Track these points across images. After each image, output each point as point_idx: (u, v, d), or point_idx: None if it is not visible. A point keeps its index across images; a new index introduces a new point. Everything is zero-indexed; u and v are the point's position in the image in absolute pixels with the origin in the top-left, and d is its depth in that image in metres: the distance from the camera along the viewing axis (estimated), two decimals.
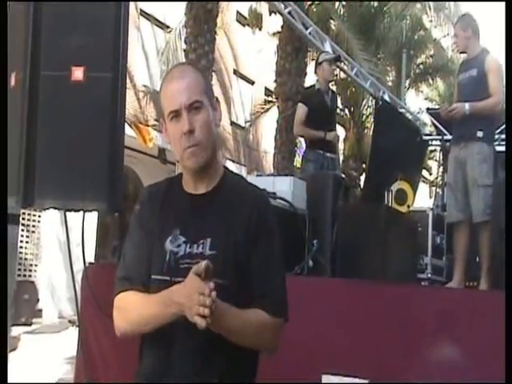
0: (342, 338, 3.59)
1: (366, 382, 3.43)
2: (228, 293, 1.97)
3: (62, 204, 3.40)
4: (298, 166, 13.30)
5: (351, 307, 3.61)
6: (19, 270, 12.37)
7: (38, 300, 12.54)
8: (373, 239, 4.71)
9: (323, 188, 5.23)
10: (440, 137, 7.17)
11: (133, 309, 2.09)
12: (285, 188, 4.98)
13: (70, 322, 11.52)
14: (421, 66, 18.31)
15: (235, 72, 20.61)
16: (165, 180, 2.26)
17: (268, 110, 17.42)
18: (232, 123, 20.21)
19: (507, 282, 2.77)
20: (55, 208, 3.48)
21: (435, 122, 7.42)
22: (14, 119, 3.45)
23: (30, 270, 13.56)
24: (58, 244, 13.24)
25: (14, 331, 4.18)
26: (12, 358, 4.12)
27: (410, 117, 8.88)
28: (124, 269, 2.14)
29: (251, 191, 2.20)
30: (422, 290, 4.05)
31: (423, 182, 16.61)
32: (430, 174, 17.92)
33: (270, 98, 17.52)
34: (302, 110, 6.73)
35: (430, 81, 18.92)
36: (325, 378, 3.55)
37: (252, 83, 21.44)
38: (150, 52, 16.59)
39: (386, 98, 7.90)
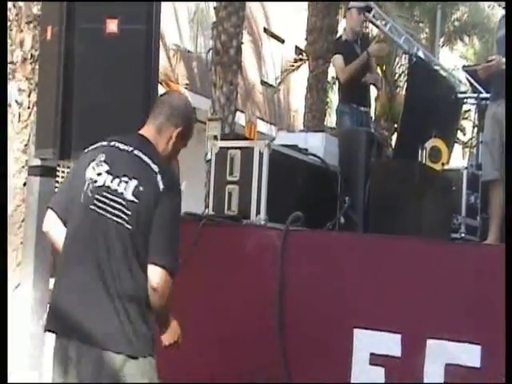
0: (374, 293, 3.59)
1: (399, 336, 3.44)
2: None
3: None
4: (329, 125, 13.23)
5: (384, 262, 3.60)
6: None
7: None
8: (405, 197, 4.68)
9: (356, 144, 5.20)
10: (476, 95, 7.06)
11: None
12: (317, 144, 4.95)
13: None
14: (456, 24, 17.92)
15: (265, 30, 20.40)
16: None
17: (298, 68, 17.26)
18: (262, 82, 20.08)
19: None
20: None
21: (471, 79, 7.30)
22: (50, 72, 3.47)
23: None
24: None
25: (51, 282, 4.28)
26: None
27: (444, 74, 8.72)
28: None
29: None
30: (456, 247, 4.01)
31: (456, 142, 16.40)
32: (464, 135, 17.66)
33: (300, 57, 17.35)
34: (338, 58, 6.67)
35: (466, 38, 18.53)
36: (357, 333, 3.57)
37: (282, 42, 21.23)
38: (180, 11, 16.49)
39: (421, 54, 7.76)
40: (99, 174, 2.70)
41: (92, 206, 2.68)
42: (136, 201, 2.65)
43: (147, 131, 2.84)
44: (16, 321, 4.05)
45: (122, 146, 2.76)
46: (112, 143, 2.78)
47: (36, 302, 3.94)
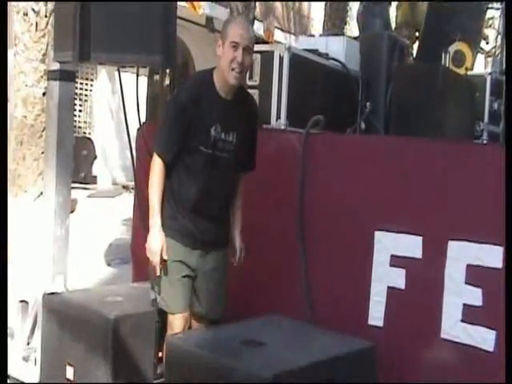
0: (396, 196, 3.59)
1: (420, 238, 3.45)
2: (237, 159, 3.32)
3: (118, 58, 3.40)
4: (349, 33, 12.96)
5: (405, 164, 3.57)
6: (75, 132, 12.57)
7: (96, 157, 12.72)
8: (428, 101, 4.60)
9: (377, 48, 5.09)
10: None
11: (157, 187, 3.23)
12: (337, 48, 4.89)
13: (123, 187, 11.79)
14: None
15: None
16: (202, 83, 3.26)
17: None
18: None
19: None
20: (111, 63, 3.50)
21: None
22: None
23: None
24: (109, 113, 13.38)
25: (72, 194, 4.30)
26: (72, 219, 4.27)
27: None
28: (168, 146, 3.24)
29: (251, 99, 3.49)
30: (479, 148, 3.93)
31: (479, 52, 16.00)
32: (487, 43, 17.26)
33: None
34: None
35: None
36: (378, 235, 3.59)
37: None
38: None
39: None
40: None
41: None
42: None
43: None
44: (41, 226, 4.12)
45: None
46: None
47: (59, 206, 3.98)
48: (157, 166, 3.21)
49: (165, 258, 3.21)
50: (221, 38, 3.21)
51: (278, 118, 4.07)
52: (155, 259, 3.20)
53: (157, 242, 3.19)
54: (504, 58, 6.28)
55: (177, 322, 3.35)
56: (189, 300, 3.36)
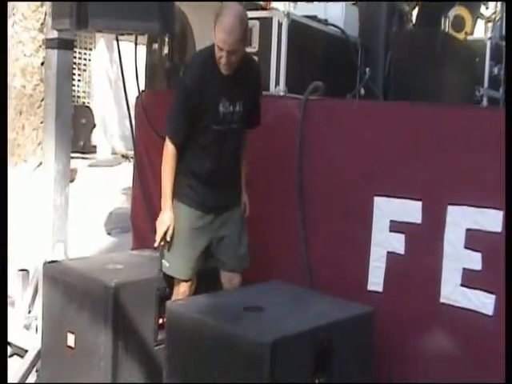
0: (395, 161, 3.58)
1: (419, 203, 3.46)
2: (245, 123, 3.42)
3: (115, 25, 3.39)
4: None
5: (405, 129, 3.56)
6: (74, 102, 12.51)
7: (95, 125, 12.67)
8: (427, 67, 4.57)
9: (376, 14, 5.06)
10: None
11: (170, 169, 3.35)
12: (336, 14, 4.85)
13: (123, 156, 11.77)
14: None
15: None
16: (203, 63, 3.28)
17: None
18: None
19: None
20: (108, 30, 3.49)
21: None
22: None
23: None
24: (108, 83, 13.31)
25: (72, 163, 4.29)
26: (72, 188, 4.27)
27: None
28: (178, 129, 3.34)
29: (253, 62, 3.54)
30: (478, 112, 3.89)
31: (479, 17, 15.75)
32: (487, 9, 17.08)
33: None
34: None
35: None
36: (377, 200, 3.59)
37: None
38: None
39: None
40: None
41: None
42: None
43: None
44: (40, 195, 4.12)
45: None
46: None
47: (59, 174, 3.98)
48: (170, 152, 3.34)
49: (167, 238, 3.40)
50: (214, 26, 3.18)
51: (277, 84, 4.07)
52: (160, 231, 3.38)
53: (168, 219, 3.37)
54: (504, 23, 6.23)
55: (182, 289, 3.46)
56: (196, 268, 3.46)
